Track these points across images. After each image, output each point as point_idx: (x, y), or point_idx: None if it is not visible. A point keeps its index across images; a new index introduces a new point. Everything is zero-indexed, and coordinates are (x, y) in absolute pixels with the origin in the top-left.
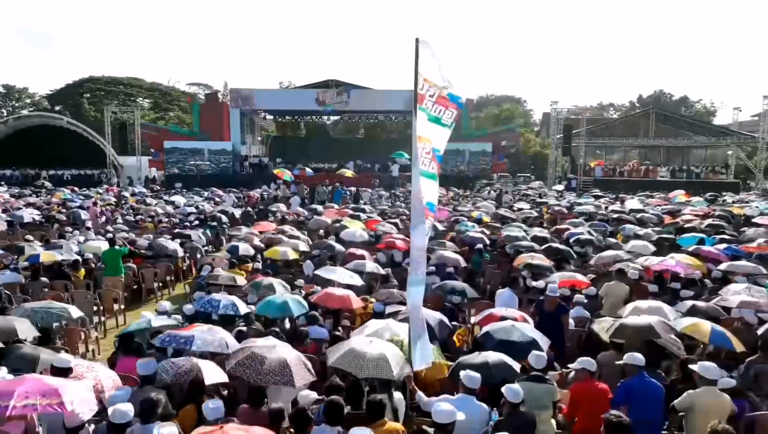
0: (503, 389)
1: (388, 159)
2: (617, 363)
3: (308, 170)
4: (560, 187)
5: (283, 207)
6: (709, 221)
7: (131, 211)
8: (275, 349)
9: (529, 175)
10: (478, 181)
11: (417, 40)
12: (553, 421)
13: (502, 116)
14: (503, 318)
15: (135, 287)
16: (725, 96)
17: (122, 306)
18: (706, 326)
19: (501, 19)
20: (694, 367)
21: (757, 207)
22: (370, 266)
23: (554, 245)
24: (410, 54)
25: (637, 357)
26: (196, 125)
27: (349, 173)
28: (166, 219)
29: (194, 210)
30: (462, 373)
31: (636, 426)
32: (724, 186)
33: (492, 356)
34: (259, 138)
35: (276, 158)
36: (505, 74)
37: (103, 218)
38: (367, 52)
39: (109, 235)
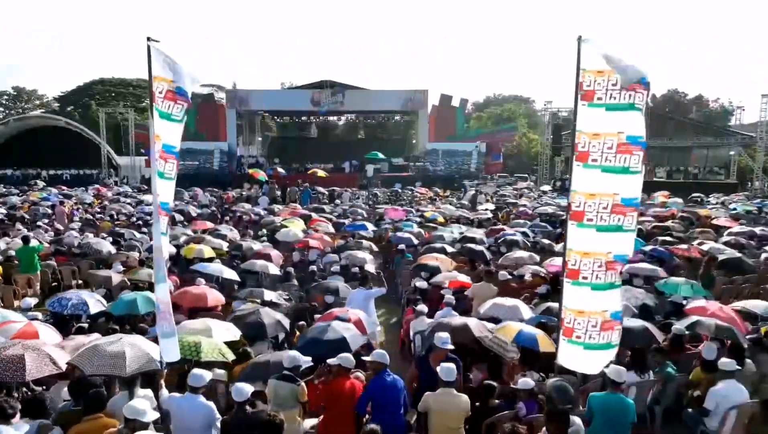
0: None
1: (383, 159)
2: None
3: (280, 170)
4: (547, 187)
5: (247, 206)
6: (668, 223)
7: (99, 210)
8: (21, 344)
9: (526, 175)
10: (467, 181)
11: (148, 38)
12: (304, 420)
13: (504, 115)
14: (338, 318)
15: (54, 284)
16: (738, 95)
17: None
18: (514, 328)
19: (508, 20)
20: (437, 369)
21: (734, 209)
22: (260, 265)
23: (468, 245)
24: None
25: (381, 355)
26: (191, 125)
27: (321, 173)
28: (125, 218)
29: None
30: (191, 373)
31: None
32: (721, 187)
33: (277, 355)
34: (260, 138)
35: (275, 159)
36: (513, 75)
37: (74, 217)
38: (370, 53)
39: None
